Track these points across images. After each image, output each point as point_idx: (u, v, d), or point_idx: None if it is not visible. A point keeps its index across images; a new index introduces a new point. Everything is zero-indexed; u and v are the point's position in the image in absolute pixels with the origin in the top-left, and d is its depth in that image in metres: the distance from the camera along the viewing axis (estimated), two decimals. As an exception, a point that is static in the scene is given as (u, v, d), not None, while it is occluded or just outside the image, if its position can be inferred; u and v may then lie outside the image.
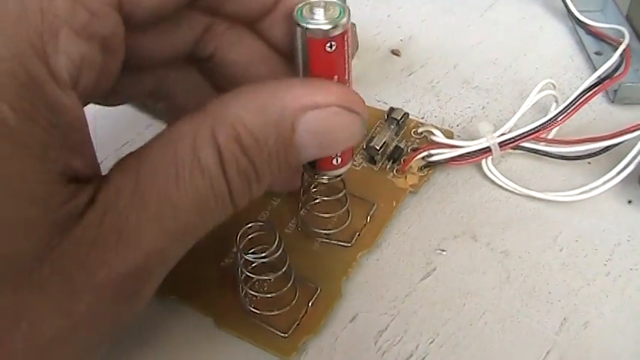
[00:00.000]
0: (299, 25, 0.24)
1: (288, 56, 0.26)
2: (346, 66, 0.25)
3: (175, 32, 0.26)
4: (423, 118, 0.39)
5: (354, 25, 0.25)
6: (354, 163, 0.36)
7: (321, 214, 0.32)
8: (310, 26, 0.23)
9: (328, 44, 0.24)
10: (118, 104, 0.30)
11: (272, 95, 0.23)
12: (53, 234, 0.20)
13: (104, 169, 0.23)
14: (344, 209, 0.32)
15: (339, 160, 0.27)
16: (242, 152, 0.23)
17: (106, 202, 0.21)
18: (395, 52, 0.45)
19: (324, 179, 0.28)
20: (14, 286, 0.20)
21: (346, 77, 0.25)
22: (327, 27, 0.23)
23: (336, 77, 0.25)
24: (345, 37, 0.24)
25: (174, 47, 0.27)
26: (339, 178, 0.29)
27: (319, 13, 0.24)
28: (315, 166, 0.28)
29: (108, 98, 0.27)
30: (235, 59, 0.28)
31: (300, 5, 0.24)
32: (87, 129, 0.22)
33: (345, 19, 0.24)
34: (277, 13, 0.26)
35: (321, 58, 0.24)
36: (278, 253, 0.28)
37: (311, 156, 0.25)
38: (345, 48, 0.24)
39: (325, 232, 0.32)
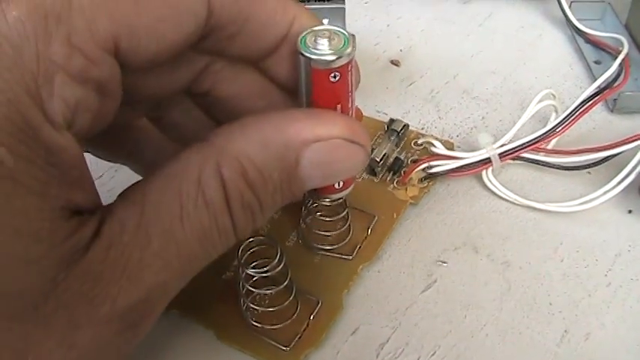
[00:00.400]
0: (302, 54, 0.23)
1: (292, 91, 0.26)
2: (349, 95, 0.25)
3: (173, 73, 0.26)
4: (423, 128, 0.40)
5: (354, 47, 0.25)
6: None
7: (322, 231, 0.32)
8: (314, 57, 0.23)
9: (332, 74, 0.23)
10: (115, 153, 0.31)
11: (276, 128, 0.23)
12: (59, 269, 0.20)
13: (101, 184, 0.23)
14: (345, 226, 0.32)
15: (341, 184, 0.27)
16: (247, 187, 0.23)
17: (111, 236, 0.22)
18: (394, 63, 0.45)
19: (326, 202, 0.28)
20: (20, 321, 0.20)
21: (349, 106, 0.25)
22: (332, 57, 0.23)
23: (339, 107, 0.25)
24: (349, 67, 0.24)
25: (171, 86, 0.27)
26: (340, 200, 0.28)
27: (323, 43, 0.23)
28: (317, 190, 0.27)
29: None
30: (233, 94, 0.28)
31: (304, 34, 0.24)
32: (85, 164, 0.22)
33: (349, 49, 0.23)
34: (282, 51, 0.26)
35: (325, 88, 0.24)
36: (279, 268, 0.28)
37: (314, 185, 0.25)
38: (349, 78, 0.24)
39: (326, 245, 0.32)
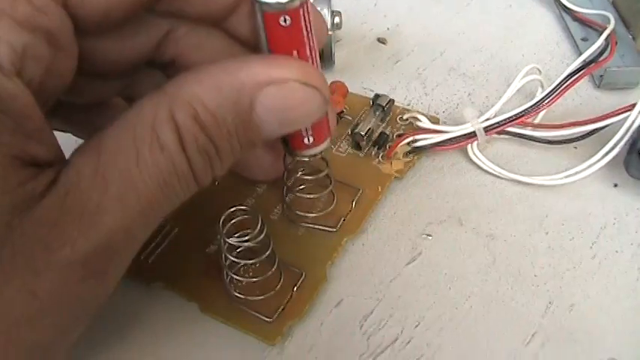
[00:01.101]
0: (256, 0, 0.23)
1: (258, 49, 0.26)
2: (307, 42, 0.24)
3: (133, 38, 0.26)
4: (409, 105, 0.39)
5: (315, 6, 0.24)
6: (340, 149, 0.36)
7: (306, 195, 0.32)
8: (265, 0, 0.23)
9: (282, 18, 0.23)
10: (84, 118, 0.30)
11: (229, 73, 0.23)
12: (13, 214, 0.20)
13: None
14: (328, 190, 0.32)
15: (311, 139, 0.27)
16: (201, 130, 0.23)
17: (68, 183, 0.21)
18: (381, 41, 0.45)
19: (305, 159, 0.28)
20: None
21: (308, 54, 0.25)
22: (282, 0, 0.23)
23: (295, 53, 0.24)
24: (302, 12, 0.23)
25: (133, 53, 0.26)
26: (318, 156, 0.28)
27: None
28: (289, 146, 0.27)
29: (73, 97, 0.27)
30: (200, 61, 0.27)
31: None
32: (41, 116, 0.22)
33: None
34: (242, 9, 0.26)
35: (277, 32, 0.24)
36: (261, 237, 0.28)
37: (273, 133, 0.25)
38: (303, 24, 0.24)
39: (310, 214, 0.32)
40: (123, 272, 0.24)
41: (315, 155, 0.27)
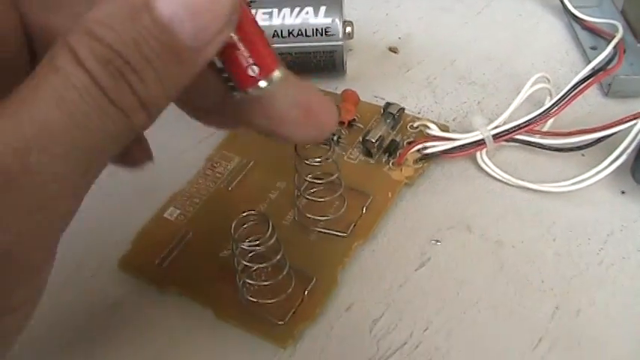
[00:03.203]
0: None
1: None
2: None
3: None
4: (419, 113, 0.40)
5: None
6: (351, 156, 0.36)
7: (317, 199, 0.33)
8: None
9: None
10: None
11: None
12: None
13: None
14: (338, 194, 0.33)
15: (256, 69, 0.23)
16: (97, 41, 0.20)
17: None
18: (392, 50, 0.45)
19: (258, 93, 0.24)
20: None
21: None
22: None
23: None
24: None
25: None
26: (269, 89, 0.24)
27: None
28: (235, 80, 0.24)
29: None
30: None
31: None
32: None
33: None
34: None
35: None
36: (271, 242, 0.28)
37: (187, 36, 0.21)
38: None
39: (322, 218, 0.33)
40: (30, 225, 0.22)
41: (267, 88, 0.24)
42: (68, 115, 0.20)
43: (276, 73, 0.24)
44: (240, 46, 0.23)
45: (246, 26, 0.23)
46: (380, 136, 0.36)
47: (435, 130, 0.36)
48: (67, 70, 0.20)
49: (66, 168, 0.21)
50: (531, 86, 0.37)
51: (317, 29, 0.39)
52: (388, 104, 0.38)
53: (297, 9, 0.39)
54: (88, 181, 0.22)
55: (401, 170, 0.35)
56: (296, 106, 0.26)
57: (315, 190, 0.33)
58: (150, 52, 0.21)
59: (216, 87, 0.26)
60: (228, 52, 0.23)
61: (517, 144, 0.36)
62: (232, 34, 0.22)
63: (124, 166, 0.29)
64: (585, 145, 0.35)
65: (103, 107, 0.21)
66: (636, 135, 0.33)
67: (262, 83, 0.23)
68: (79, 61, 0.20)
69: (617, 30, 0.40)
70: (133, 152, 0.28)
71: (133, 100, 0.21)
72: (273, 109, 0.25)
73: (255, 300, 0.30)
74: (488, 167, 0.35)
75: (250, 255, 0.29)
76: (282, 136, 0.26)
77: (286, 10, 0.39)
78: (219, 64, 0.24)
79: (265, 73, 0.23)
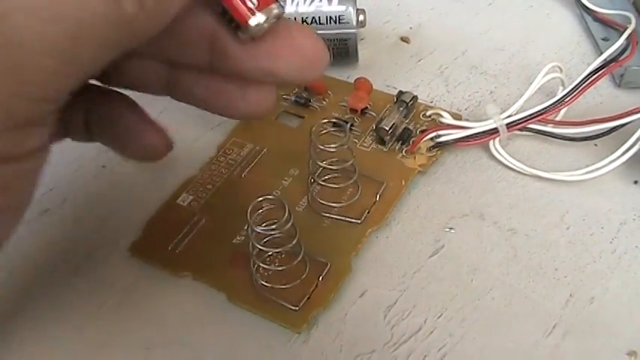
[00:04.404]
0: None
1: None
2: None
3: None
4: (432, 102, 0.40)
5: None
6: (364, 144, 0.36)
7: (331, 185, 0.33)
8: None
9: None
10: None
11: None
12: None
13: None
14: (352, 181, 0.33)
15: (255, 1, 0.24)
16: None
17: None
18: (404, 40, 0.45)
19: (260, 29, 0.25)
20: None
21: None
22: None
23: None
24: None
25: None
26: (269, 21, 0.25)
27: None
28: (235, 25, 0.25)
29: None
30: None
31: None
32: None
33: None
34: None
35: None
36: (287, 226, 0.28)
37: None
38: None
39: (335, 205, 0.33)
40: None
41: (268, 21, 0.25)
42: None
43: (275, 7, 0.24)
44: None
45: None
46: (393, 124, 0.36)
47: (448, 119, 0.36)
48: None
49: (52, 29, 0.21)
50: (544, 76, 0.36)
51: (330, 17, 0.39)
52: (401, 92, 0.38)
53: (310, -4, 0.40)
54: (76, 65, 0.22)
55: (414, 158, 0.35)
56: (288, 41, 0.26)
57: (329, 176, 0.33)
58: None
59: (208, 32, 0.26)
60: None
61: (530, 133, 0.36)
62: None
63: (145, 157, 0.29)
64: (598, 135, 0.35)
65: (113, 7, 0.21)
66: (649, 125, 0.33)
67: (261, 15, 0.24)
68: None
69: (629, 21, 0.40)
70: (153, 140, 0.29)
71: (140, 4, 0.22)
72: (265, 42, 0.26)
73: (269, 285, 0.30)
74: (502, 156, 0.35)
75: (265, 240, 0.29)
76: (276, 74, 0.26)
77: (300, -3, 0.39)
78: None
79: (264, 4, 0.24)
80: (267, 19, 0.24)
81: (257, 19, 0.24)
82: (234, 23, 0.25)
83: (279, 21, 0.25)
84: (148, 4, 0.22)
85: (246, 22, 0.24)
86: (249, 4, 0.24)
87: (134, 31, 0.23)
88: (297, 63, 0.26)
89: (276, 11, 0.24)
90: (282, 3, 0.24)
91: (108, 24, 0.22)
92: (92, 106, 0.29)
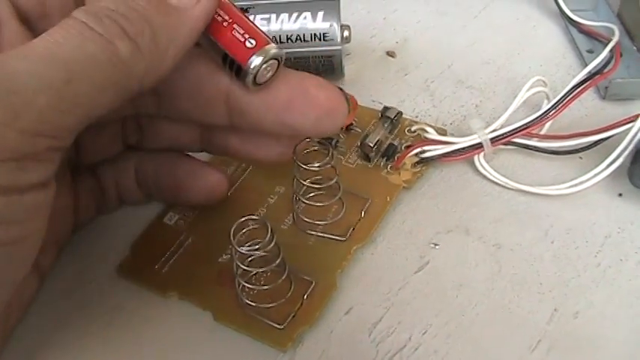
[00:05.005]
0: None
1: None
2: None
3: None
4: (417, 117, 0.40)
5: None
6: (349, 160, 0.36)
7: (316, 204, 0.33)
8: None
9: None
10: None
11: None
12: None
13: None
14: (336, 198, 0.33)
15: (253, 41, 0.26)
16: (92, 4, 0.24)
17: None
18: (390, 54, 0.45)
19: (259, 67, 0.27)
20: None
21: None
22: None
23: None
24: None
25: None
26: (270, 55, 0.27)
27: None
28: (237, 69, 0.27)
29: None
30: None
31: None
32: None
33: None
34: None
35: None
36: (271, 246, 0.28)
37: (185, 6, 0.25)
38: None
39: (320, 222, 0.33)
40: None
41: (266, 60, 0.26)
42: (51, 42, 0.22)
43: (272, 45, 0.26)
44: (235, 25, 0.26)
45: (234, 13, 0.27)
46: (378, 140, 0.36)
47: (432, 134, 0.37)
48: (69, 24, 0.23)
49: (46, 69, 0.22)
50: (528, 90, 0.37)
51: (315, 34, 0.40)
52: (386, 108, 0.38)
53: (295, 14, 0.40)
54: (70, 103, 0.23)
55: (399, 174, 0.35)
56: (302, 92, 0.28)
57: (313, 194, 0.33)
58: (136, 5, 0.24)
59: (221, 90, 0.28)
60: (225, 33, 0.26)
61: (515, 147, 0.36)
62: (225, 17, 0.26)
63: (210, 196, 0.33)
64: (583, 148, 0.35)
65: (83, 32, 0.23)
66: (633, 138, 0.33)
67: (263, 55, 0.26)
68: (86, 22, 0.23)
69: (613, 33, 0.40)
70: (216, 177, 0.33)
71: (114, 27, 0.23)
72: (278, 94, 0.27)
73: (254, 304, 0.30)
74: (486, 171, 0.36)
75: (249, 259, 0.29)
76: (293, 127, 0.28)
77: (284, 16, 0.39)
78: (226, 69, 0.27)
79: (261, 45, 0.26)
80: (264, 58, 0.26)
81: (256, 59, 0.26)
82: (236, 66, 0.26)
83: (288, 71, 0.27)
84: (143, 45, 0.24)
85: (246, 62, 0.26)
86: (248, 45, 0.26)
87: (132, 72, 0.24)
88: (314, 114, 0.27)
89: (274, 51, 0.26)
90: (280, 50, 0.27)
91: (101, 65, 0.23)
92: (142, 167, 0.32)
